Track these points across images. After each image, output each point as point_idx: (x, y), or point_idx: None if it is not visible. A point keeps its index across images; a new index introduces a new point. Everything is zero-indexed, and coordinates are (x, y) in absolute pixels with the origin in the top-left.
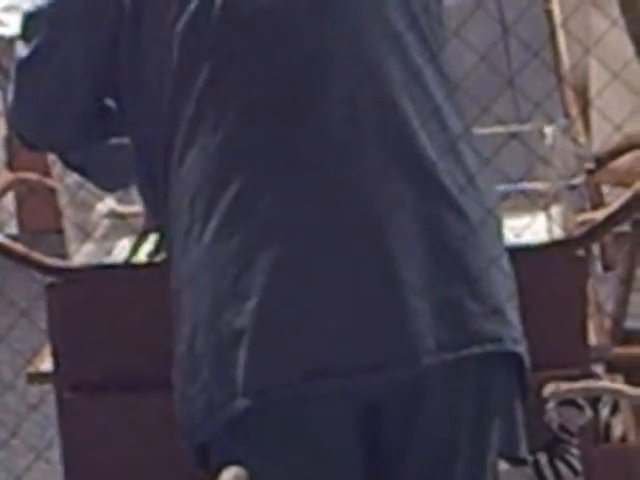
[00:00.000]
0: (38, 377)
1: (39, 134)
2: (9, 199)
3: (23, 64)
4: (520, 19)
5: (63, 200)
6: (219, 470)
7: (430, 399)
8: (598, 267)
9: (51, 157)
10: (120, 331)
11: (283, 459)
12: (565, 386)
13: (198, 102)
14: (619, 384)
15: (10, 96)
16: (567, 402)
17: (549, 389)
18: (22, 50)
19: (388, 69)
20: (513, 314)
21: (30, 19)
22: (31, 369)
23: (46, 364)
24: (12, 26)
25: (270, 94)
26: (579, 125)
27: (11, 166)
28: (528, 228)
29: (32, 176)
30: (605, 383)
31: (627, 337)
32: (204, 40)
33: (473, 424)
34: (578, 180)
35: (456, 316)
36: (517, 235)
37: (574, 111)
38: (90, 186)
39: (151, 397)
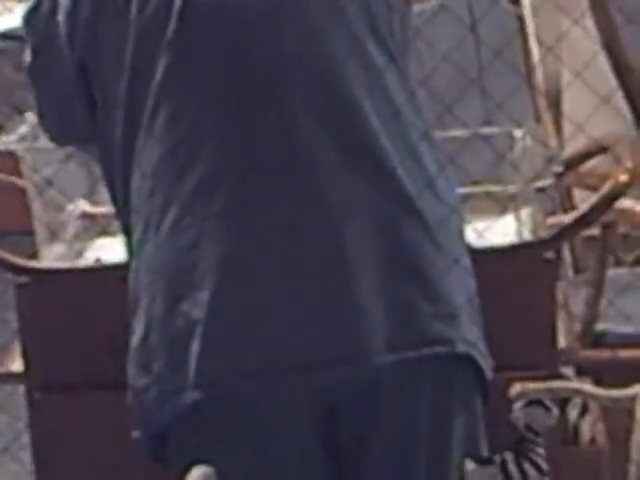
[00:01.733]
0: (8, 377)
1: (56, 132)
2: None
3: (27, 69)
4: (483, 20)
5: (33, 200)
6: (182, 465)
7: (386, 399)
8: (569, 271)
9: (21, 156)
10: (90, 331)
11: (236, 452)
12: (532, 386)
13: (156, 96)
14: (587, 385)
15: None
16: (534, 402)
17: (516, 389)
18: (26, 53)
19: (348, 70)
20: (470, 316)
21: (27, 16)
22: (1, 369)
23: (16, 364)
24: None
25: (228, 91)
26: (551, 130)
27: None
28: (496, 230)
29: (0, 176)
30: (572, 384)
31: (597, 340)
32: (162, 35)
33: (431, 424)
34: (546, 183)
35: (408, 317)
36: (485, 237)
37: (546, 116)
38: (60, 186)
39: (121, 397)
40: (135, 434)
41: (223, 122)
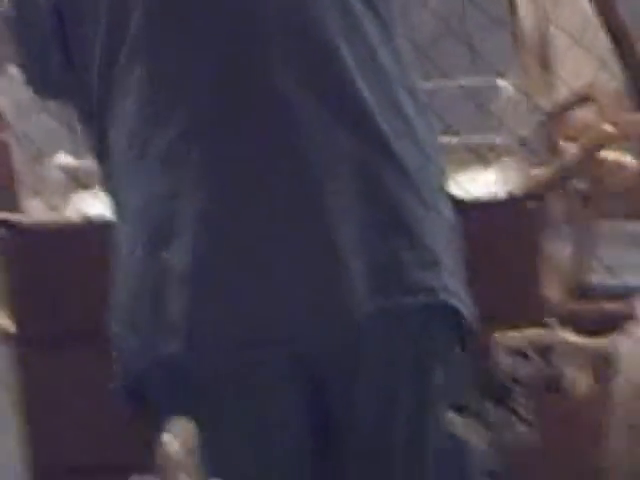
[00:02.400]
0: None
1: (37, 84)
2: None
3: (7, 20)
4: None
5: (15, 153)
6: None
7: (368, 349)
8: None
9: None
10: (72, 286)
11: (217, 412)
12: (513, 335)
13: (131, 46)
14: (569, 334)
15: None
16: (516, 352)
17: (497, 338)
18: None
19: (325, 15)
20: (453, 266)
21: None
22: None
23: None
24: None
25: (205, 41)
26: (538, 83)
27: None
28: (479, 182)
29: None
30: (554, 332)
31: (582, 293)
32: None
33: (412, 373)
34: (527, 133)
35: (390, 267)
36: (467, 189)
37: (533, 69)
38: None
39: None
40: (113, 385)
41: (201, 75)
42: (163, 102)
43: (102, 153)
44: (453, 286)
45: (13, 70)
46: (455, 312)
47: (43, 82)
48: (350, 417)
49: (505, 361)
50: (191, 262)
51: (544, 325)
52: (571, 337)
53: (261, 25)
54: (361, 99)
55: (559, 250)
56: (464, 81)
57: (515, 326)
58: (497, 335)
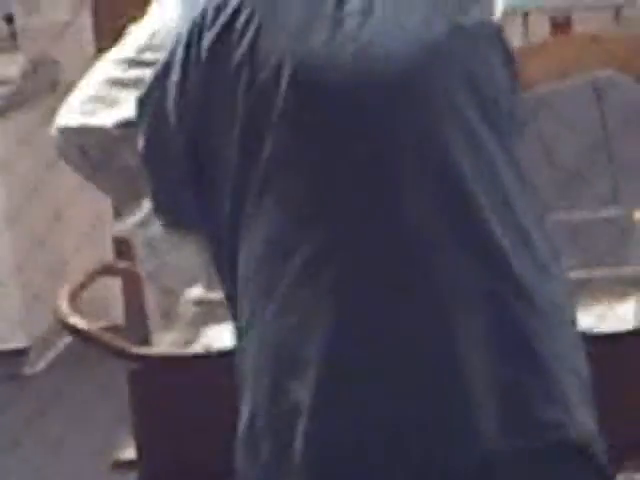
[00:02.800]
0: (121, 465)
1: (169, 217)
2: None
3: (140, 155)
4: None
5: (146, 286)
6: None
7: None
8: None
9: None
10: (200, 421)
11: None
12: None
13: (263, 174)
14: None
15: None
16: None
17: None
18: (139, 139)
19: (458, 154)
20: (585, 404)
21: (139, 103)
22: (116, 457)
23: (130, 452)
24: (96, 115)
25: (338, 169)
26: None
27: None
28: (615, 315)
29: (120, 264)
30: None
31: None
32: (270, 110)
33: None
34: None
35: (517, 402)
36: (603, 322)
37: None
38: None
39: None
40: None
41: (333, 201)
42: (291, 231)
43: (231, 287)
44: (581, 419)
45: (148, 203)
46: (586, 448)
47: (174, 215)
48: None
49: None
50: (319, 397)
51: None
52: None
53: (396, 158)
54: (497, 244)
55: None
56: (604, 212)
57: None
58: (618, 477)
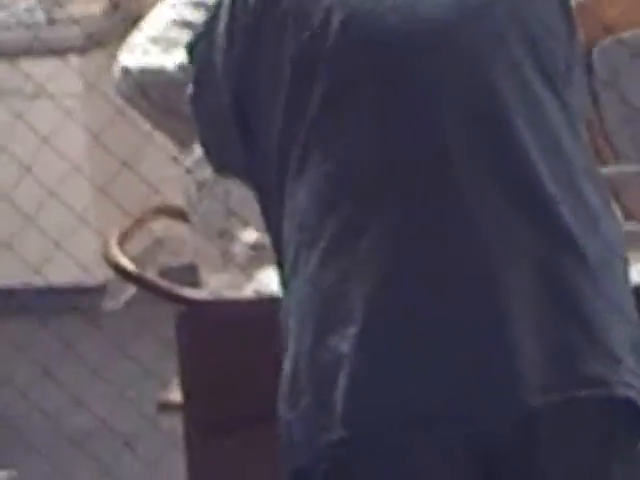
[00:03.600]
0: (168, 408)
1: (217, 163)
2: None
3: (190, 100)
4: None
5: (198, 229)
6: None
7: (543, 444)
8: None
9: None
10: (249, 367)
11: None
12: None
13: (309, 130)
14: None
15: None
16: None
17: None
18: (188, 84)
19: (507, 99)
20: (634, 364)
21: (190, 49)
22: (161, 398)
23: (175, 394)
24: (158, 56)
25: (383, 124)
26: None
27: None
28: None
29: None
30: None
31: None
32: (318, 65)
33: (591, 468)
34: None
35: (566, 359)
36: None
37: None
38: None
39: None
40: (284, 470)
41: (376, 157)
42: (334, 188)
43: (277, 236)
44: (630, 379)
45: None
46: (633, 405)
47: (222, 161)
48: None
49: None
50: (360, 350)
51: None
52: None
53: (444, 112)
54: (544, 191)
55: None
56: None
57: None
58: None
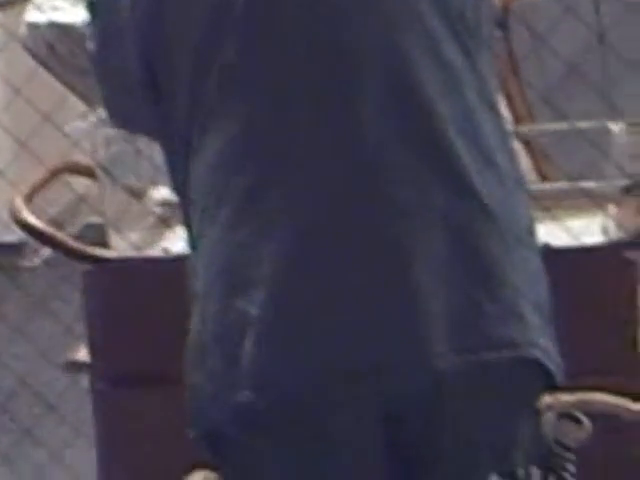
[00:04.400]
0: (74, 366)
1: (121, 120)
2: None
3: (92, 57)
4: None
5: (106, 188)
6: (234, 464)
7: (449, 403)
8: None
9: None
10: (156, 326)
11: (292, 456)
12: (563, 398)
13: (219, 84)
14: (622, 400)
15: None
16: (566, 415)
17: (545, 400)
18: (90, 41)
19: (420, 66)
20: (540, 319)
21: (91, 3)
22: (68, 358)
23: (83, 353)
24: (66, 12)
25: (295, 82)
26: None
27: None
28: (582, 229)
29: (82, 161)
30: (605, 396)
31: None
32: (230, 17)
33: (495, 432)
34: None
35: (473, 319)
36: (574, 237)
37: None
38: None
39: (183, 389)
40: (189, 431)
41: (286, 115)
42: (239, 150)
43: (184, 196)
44: (538, 339)
45: None
46: (540, 365)
47: (126, 118)
48: (428, 460)
49: (553, 425)
50: (267, 313)
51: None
52: (622, 401)
53: (354, 69)
54: (454, 149)
55: None
56: (572, 125)
57: (609, 382)
58: (546, 397)
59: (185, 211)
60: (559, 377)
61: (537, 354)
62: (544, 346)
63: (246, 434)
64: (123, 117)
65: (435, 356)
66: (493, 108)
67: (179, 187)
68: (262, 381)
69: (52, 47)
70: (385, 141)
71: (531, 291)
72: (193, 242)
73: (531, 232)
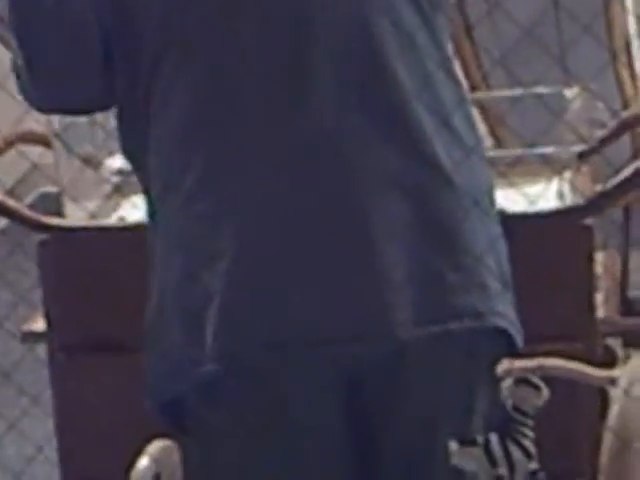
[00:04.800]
0: (31, 336)
1: (54, 96)
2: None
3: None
4: None
5: (61, 156)
6: (198, 435)
7: (411, 372)
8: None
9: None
10: (111, 292)
11: (256, 426)
12: (520, 364)
13: (181, 49)
14: (579, 364)
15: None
16: (523, 381)
17: (503, 366)
18: None
19: (380, 33)
20: (501, 285)
21: None
22: (24, 328)
23: (40, 323)
24: None
25: (252, 51)
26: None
27: None
28: (542, 193)
29: (36, 129)
30: (561, 362)
31: (629, 307)
32: None
33: (456, 400)
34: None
35: (436, 289)
36: (531, 202)
37: (629, 90)
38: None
39: (140, 358)
40: (147, 402)
41: (246, 87)
42: (201, 115)
43: (141, 163)
44: (500, 307)
45: None
46: (502, 333)
47: (70, 86)
48: (387, 427)
49: (511, 390)
50: (230, 285)
51: (607, 348)
52: (580, 367)
53: (310, 33)
54: (413, 115)
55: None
56: (540, 89)
57: (567, 347)
58: (503, 362)
59: (142, 178)
60: (519, 344)
61: (500, 322)
62: (506, 313)
63: (208, 404)
64: (64, 87)
65: (399, 325)
66: (450, 73)
67: (134, 153)
68: (225, 353)
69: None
70: (343, 108)
71: (492, 258)
72: (152, 210)
73: (490, 197)
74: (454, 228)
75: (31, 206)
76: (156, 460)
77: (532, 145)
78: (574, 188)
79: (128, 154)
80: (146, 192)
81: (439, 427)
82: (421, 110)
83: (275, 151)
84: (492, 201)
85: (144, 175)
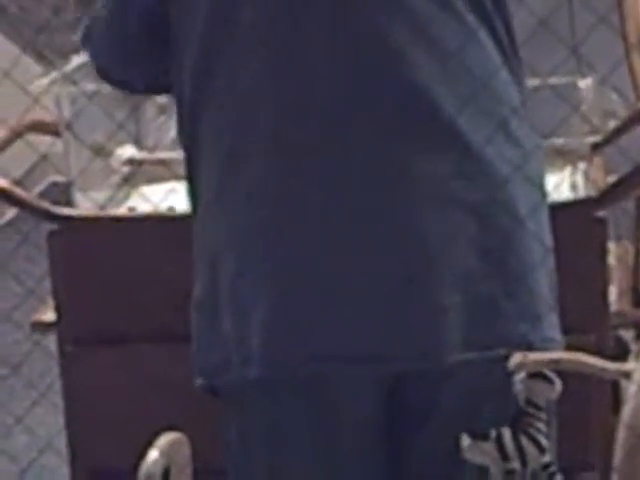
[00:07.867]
0: (40, 327)
1: (110, 67)
2: None
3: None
4: None
5: (69, 145)
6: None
7: (453, 391)
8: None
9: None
10: (121, 283)
11: (295, 432)
12: (533, 357)
13: (241, 43)
14: (592, 358)
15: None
16: (536, 374)
17: (516, 359)
18: None
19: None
20: (550, 312)
21: None
22: (34, 319)
23: (50, 314)
24: None
25: (281, 52)
26: None
27: None
28: (552, 186)
29: (45, 119)
30: (575, 355)
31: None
32: None
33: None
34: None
35: (489, 316)
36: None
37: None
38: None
39: (152, 349)
40: (197, 382)
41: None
42: (244, 112)
43: (192, 150)
44: (549, 333)
45: (78, 59)
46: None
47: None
48: (420, 444)
49: (523, 384)
50: (279, 288)
51: (620, 340)
52: (595, 360)
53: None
54: (469, 138)
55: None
56: (542, 81)
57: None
58: (515, 355)
59: (189, 168)
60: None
61: (548, 346)
62: (553, 338)
63: (252, 404)
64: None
65: (447, 349)
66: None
67: (186, 143)
68: (270, 358)
69: (4, 8)
70: (390, 127)
71: (547, 286)
72: (196, 202)
73: (546, 212)
74: (510, 251)
75: (40, 196)
76: (166, 453)
77: (545, 136)
78: (587, 179)
79: (182, 140)
80: (190, 179)
81: (450, 420)
82: (473, 122)
83: (335, 165)
84: (544, 206)
85: (191, 162)
